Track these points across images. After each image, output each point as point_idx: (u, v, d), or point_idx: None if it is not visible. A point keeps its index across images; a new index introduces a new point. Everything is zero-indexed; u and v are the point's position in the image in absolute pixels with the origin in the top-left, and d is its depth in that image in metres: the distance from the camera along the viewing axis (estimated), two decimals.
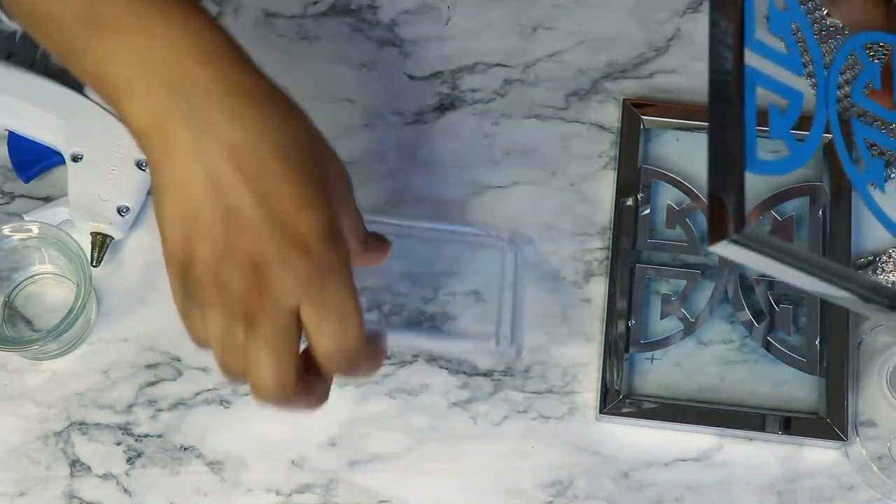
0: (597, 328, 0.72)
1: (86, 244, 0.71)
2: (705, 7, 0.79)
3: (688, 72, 0.78)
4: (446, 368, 0.71)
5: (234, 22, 0.78)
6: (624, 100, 0.76)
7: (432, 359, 0.71)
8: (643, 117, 0.75)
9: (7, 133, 0.73)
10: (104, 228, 0.71)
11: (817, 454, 0.70)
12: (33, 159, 0.73)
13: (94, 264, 0.71)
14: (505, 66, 0.78)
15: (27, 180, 0.73)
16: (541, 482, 0.69)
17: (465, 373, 0.71)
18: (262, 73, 0.54)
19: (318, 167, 0.54)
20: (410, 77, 0.78)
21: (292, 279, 0.52)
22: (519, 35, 0.79)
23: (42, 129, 0.73)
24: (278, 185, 0.52)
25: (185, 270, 0.53)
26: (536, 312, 0.72)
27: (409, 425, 0.70)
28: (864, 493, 0.69)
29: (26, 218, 0.72)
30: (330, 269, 0.53)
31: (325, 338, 0.53)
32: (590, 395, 0.71)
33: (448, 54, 0.78)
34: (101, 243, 0.71)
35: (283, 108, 0.53)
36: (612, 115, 0.77)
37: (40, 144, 0.73)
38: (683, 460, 0.70)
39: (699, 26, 0.79)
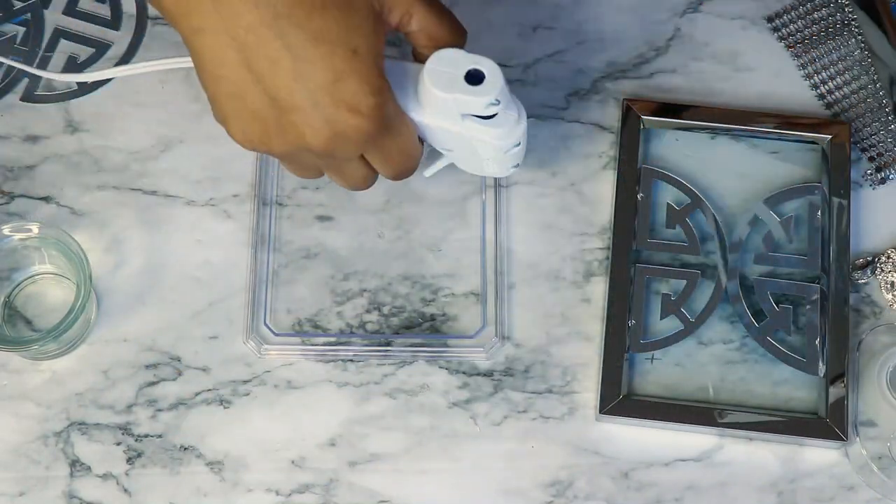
0: (597, 328, 0.72)
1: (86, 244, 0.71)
2: (705, 7, 0.79)
3: (688, 72, 0.78)
4: (446, 368, 0.71)
5: None
6: (624, 100, 0.76)
7: (432, 359, 0.71)
8: (643, 117, 0.75)
9: None
10: None
11: (817, 454, 0.70)
12: None
13: None
14: (505, 66, 0.77)
15: None
16: (541, 482, 0.69)
17: (465, 373, 0.71)
18: None
19: (345, 20, 0.56)
20: None
21: (352, 146, 0.59)
22: (519, 35, 0.79)
23: None
24: (308, 62, 0.55)
25: (250, 145, 0.59)
26: (536, 312, 0.72)
27: (409, 425, 0.70)
28: (864, 493, 0.69)
29: None
30: (382, 122, 0.59)
31: (389, 171, 0.63)
32: (590, 395, 0.71)
33: None
34: None
35: None
36: (612, 115, 0.77)
37: None
38: (683, 460, 0.70)
39: (699, 26, 0.79)
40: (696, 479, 0.69)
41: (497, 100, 0.62)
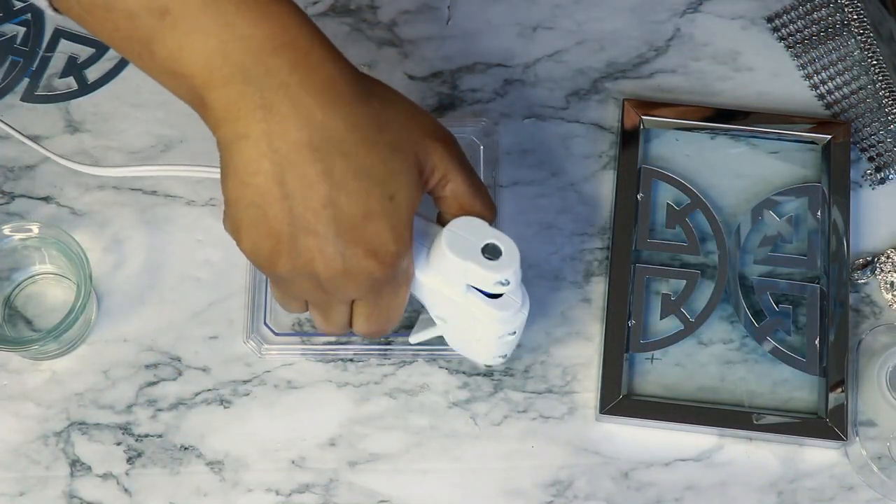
0: (597, 328, 0.72)
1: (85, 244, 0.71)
2: (705, 7, 0.79)
3: (688, 72, 0.78)
4: (446, 368, 0.71)
5: None
6: (624, 100, 0.76)
7: (432, 359, 0.71)
8: (643, 117, 0.75)
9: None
10: None
11: (817, 454, 0.70)
12: None
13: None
14: (505, 66, 0.78)
15: None
16: (541, 482, 0.69)
17: (465, 373, 0.71)
18: (341, 60, 0.54)
19: (390, 163, 0.55)
20: (410, 77, 0.78)
21: (354, 287, 0.56)
22: (519, 35, 0.79)
23: None
24: (344, 193, 0.54)
25: (255, 259, 0.56)
26: (536, 312, 0.72)
27: (408, 425, 0.70)
28: (864, 493, 0.69)
29: None
30: (392, 278, 0.57)
31: (366, 327, 0.61)
32: (590, 395, 0.71)
33: (448, 54, 0.78)
34: None
35: (358, 101, 0.54)
36: (612, 115, 0.77)
37: None
38: (683, 460, 0.70)
39: (699, 26, 0.79)
40: (696, 479, 0.69)
41: (507, 280, 0.60)
